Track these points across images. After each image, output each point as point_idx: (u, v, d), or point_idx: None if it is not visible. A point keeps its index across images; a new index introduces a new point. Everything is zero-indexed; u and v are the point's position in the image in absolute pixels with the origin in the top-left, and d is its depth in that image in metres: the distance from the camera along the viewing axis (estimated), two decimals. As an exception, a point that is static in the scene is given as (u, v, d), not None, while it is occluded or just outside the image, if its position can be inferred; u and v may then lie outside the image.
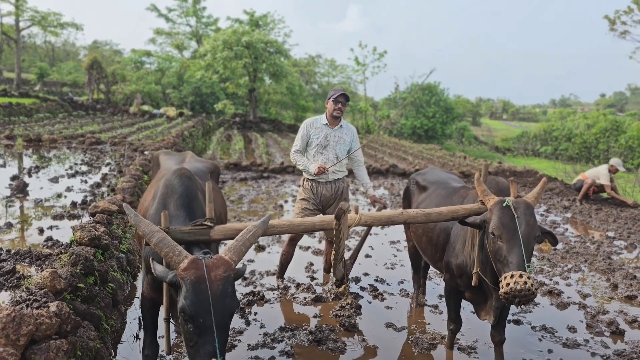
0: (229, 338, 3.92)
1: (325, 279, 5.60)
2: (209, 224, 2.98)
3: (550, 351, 4.14)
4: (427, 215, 3.34)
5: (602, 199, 11.28)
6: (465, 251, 3.58)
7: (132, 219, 2.73)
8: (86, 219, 6.03)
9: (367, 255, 6.43)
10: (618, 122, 30.59)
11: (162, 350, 3.35)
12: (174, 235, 2.82)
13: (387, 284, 5.57)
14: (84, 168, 10.43)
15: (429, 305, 4.99)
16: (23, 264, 4.46)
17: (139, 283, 5.18)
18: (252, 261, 6.01)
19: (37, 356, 2.65)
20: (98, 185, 8.44)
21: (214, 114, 33.31)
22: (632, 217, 9.68)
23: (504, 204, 3.08)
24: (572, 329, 4.54)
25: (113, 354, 3.66)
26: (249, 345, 3.97)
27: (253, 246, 5.18)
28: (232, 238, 2.97)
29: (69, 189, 8.11)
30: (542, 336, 4.41)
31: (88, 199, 7.26)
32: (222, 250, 2.65)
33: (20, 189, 7.62)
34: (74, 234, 4.40)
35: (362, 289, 5.35)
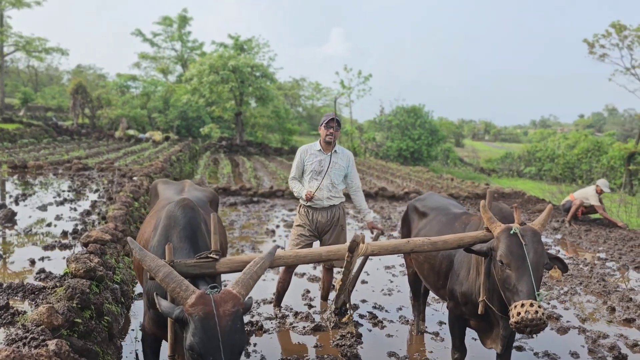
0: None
1: (323, 306, 5.53)
2: (214, 256, 2.92)
3: (555, 378, 4.10)
4: (433, 243, 3.32)
5: (591, 219, 11.39)
6: (470, 279, 3.56)
7: (138, 253, 2.67)
8: (78, 248, 5.89)
9: (364, 282, 6.37)
10: (599, 142, 31.19)
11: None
12: (178, 268, 2.76)
13: (386, 310, 5.51)
14: (72, 195, 10.26)
15: (429, 333, 4.93)
16: (16, 298, 4.33)
17: (134, 314, 5.06)
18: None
19: (38, 398, 2.55)
20: (88, 213, 8.29)
21: (200, 138, 33.26)
22: (622, 237, 9.77)
23: (511, 232, 3.07)
24: (574, 355, 4.51)
25: (111, 391, 3.54)
26: (250, 378, 3.87)
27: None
28: (239, 270, 2.91)
29: (58, 217, 7.95)
30: (546, 362, 4.37)
31: (79, 227, 7.12)
32: (230, 284, 2.60)
33: (8, 218, 7.45)
34: (68, 265, 4.29)
35: (361, 316, 5.29)
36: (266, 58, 39.41)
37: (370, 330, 4.96)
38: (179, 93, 34.48)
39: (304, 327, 4.91)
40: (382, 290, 6.17)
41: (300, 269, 6.64)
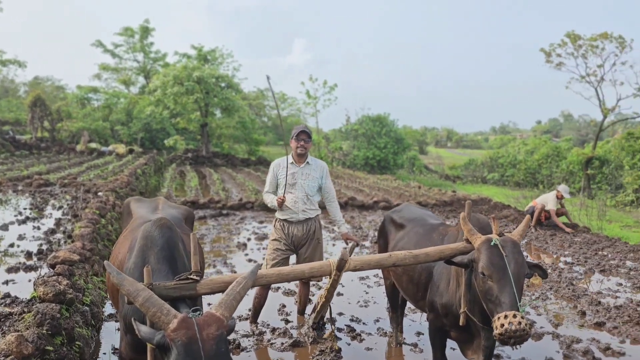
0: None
1: (300, 321, 5.47)
2: (195, 277, 2.84)
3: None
4: (415, 256, 3.33)
5: (555, 224, 11.68)
6: (450, 290, 3.57)
7: (115, 277, 2.56)
8: (45, 270, 5.67)
9: (339, 294, 6.32)
10: (558, 147, 32.14)
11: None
12: (158, 291, 2.66)
13: (364, 323, 5.48)
14: (34, 213, 9.90)
15: (408, 344, 4.93)
16: (-20, 325, 4.11)
17: (104, 336, 4.88)
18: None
19: None
20: (52, 231, 8.00)
21: (165, 150, 32.68)
22: (586, 241, 10.05)
23: (492, 243, 3.10)
24: (550, 361, 4.59)
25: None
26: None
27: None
28: (220, 291, 2.84)
29: (21, 237, 7.64)
30: (523, 369, 4.43)
31: (44, 247, 6.86)
32: (213, 305, 2.53)
33: (-34, 239, 7.13)
34: (35, 289, 4.12)
35: (339, 330, 5.24)
36: (230, 68, 39.10)
37: (349, 344, 4.92)
38: (142, 105, 33.84)
39: (282, 344, 4.84)
40: (358, 302, 6.16)
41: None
